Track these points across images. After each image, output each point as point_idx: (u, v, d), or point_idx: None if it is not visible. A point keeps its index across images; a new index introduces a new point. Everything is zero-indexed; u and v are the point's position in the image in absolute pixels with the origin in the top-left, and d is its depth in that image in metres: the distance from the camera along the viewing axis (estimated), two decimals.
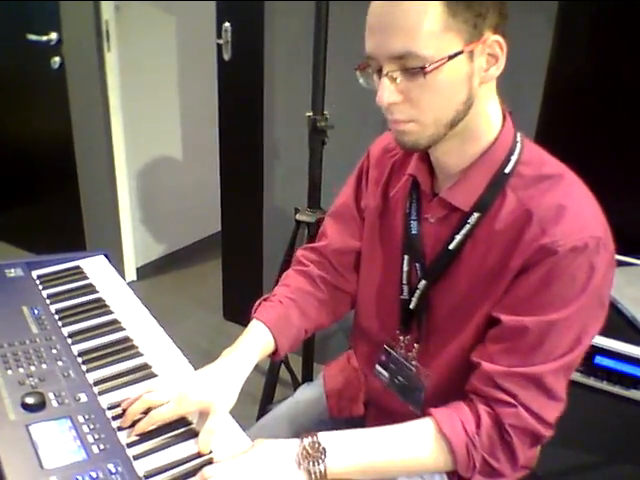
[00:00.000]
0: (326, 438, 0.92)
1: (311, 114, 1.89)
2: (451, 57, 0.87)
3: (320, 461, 0.89)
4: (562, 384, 0.96)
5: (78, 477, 0.86)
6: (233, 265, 2.86)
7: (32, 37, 2.83)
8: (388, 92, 0.90)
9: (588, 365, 1.44)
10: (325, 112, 1.88)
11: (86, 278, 1.39)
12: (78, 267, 1.43)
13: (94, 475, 0.86)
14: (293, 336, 1.17)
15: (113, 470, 0.88)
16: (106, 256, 1.49)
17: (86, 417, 0.97)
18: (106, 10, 2.75)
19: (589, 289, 0.91)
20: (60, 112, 2.98)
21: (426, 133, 0.94)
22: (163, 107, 3.27)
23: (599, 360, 1.42)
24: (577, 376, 1.46)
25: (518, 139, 1.00)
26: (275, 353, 1.15)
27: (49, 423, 0.95)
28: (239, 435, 1.00)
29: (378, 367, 1.19)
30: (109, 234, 3.18)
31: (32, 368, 1.07)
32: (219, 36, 2.44)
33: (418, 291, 1.08)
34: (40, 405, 0.98)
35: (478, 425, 0.94)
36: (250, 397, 1.97)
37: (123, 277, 1.41)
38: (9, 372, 1.05)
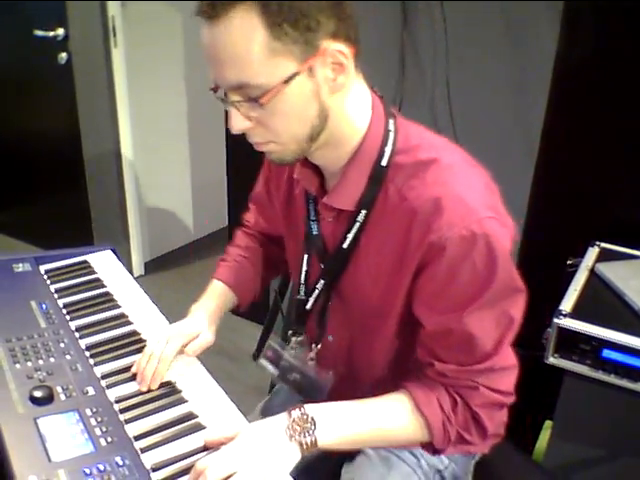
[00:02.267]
0: (314, 410, 0.94)
1: None
2: (287, 81, 0.85)
3: (311, 432, 0.91)
4: (510, 355, 1.00)
5: (86, 470, 0.86)
6: None
7: (39, 33, 2.83)
8: (236, 120, 0.90)
9: (596, 358, 1.43)
10: None
11: (93, 273, 1.40)
12: (85, 262, 1.44)
13: (101, 468, 0.87)
14: (251, 290, 1.30)
15: (120, 463, 0.89)
16: (113, 251, 1.49)
17: (94, 410, 0.98)
18: (112, 6, 2.75)
19: (495, 270, 0.91)
20: (67, 108, 2.98)
21: (288, 150, 0.94)
22: (170, 102, 3.27)
23: (607, 353, 1.42)
24: (585, 369, 1.45)
25: (390, 127, 0.98)
26: (239, 305, 1.28)
27: (57, 416, 0.96)
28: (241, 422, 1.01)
29: (262, 361, 1.19)
30: (117, 229, 3.19)
31: (40, 362, 1.07)
32: None
33: (316, 291, 1.08)
34: (48, 398, 0.98)
35: (455, 404, 0.99)
36: (257, 389, 1.97)
37: (131, 272, 1.42)
38: (17, 366, 1.06)
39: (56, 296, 1.29)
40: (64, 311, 1.24)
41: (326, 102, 0.90)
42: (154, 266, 3.42)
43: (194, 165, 3.49)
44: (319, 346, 1.12)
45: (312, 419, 0.92)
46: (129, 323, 1.24)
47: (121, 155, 3.03)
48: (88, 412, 0.98)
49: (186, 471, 0.90)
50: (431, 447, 1.01)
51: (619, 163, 1.75)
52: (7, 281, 1.31)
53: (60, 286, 1.33)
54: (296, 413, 0.92)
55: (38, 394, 0.98)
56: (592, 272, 1.62)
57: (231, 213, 2.84)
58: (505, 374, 1.00)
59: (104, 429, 0.95)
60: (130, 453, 0.91)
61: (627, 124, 1.71)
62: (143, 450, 0.93)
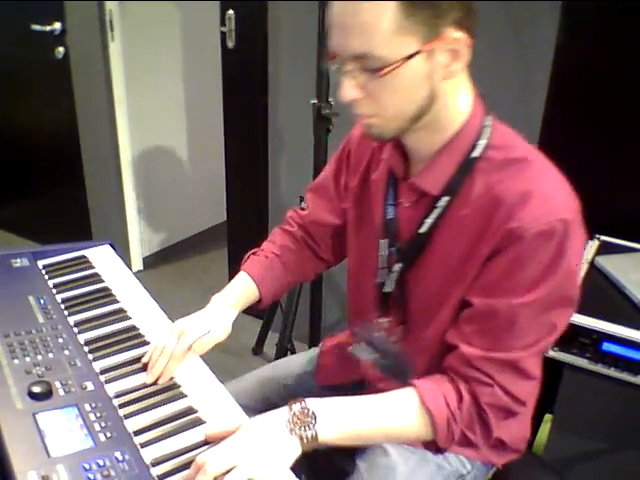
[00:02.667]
0: (315, 404, 0.94)
1: (316, 101, 1.88)
2: (407, 58, 0.88)
3: (311, 426, 0.91)
4: (537, 365, 1.00)
5: (85, 465, 0.86)
6: (239, 254, 2.83)
7: (36, 27, 2.83)
8: (348, 89, 0.93)
9: (596, 351, 1.43)
10: (330, 99, 1.87)
11: (92, 267, 1.39)
12: (84, 257, 1.43)
13: (101, 463, 0.87)
14: (276, 287, 1.28)
15: (120, 458, 0.88)
16: (111, 245, 1.49)
17: (93, 405, 0.98)
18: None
19: (558, 273, 0.92)
20: (64, 102, 2.97)
21: (390, 127, 0.97)
22: (167, 96, 3.26)
23: (607, 347, 1.42)
24: (584, 363, 1.45)
25: (487, 123, 1.01)
26: (260, 302, 1.27)
27: (56, 412, 0.95)
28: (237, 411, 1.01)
29: (357, 346, 1.20)
30: (115, 224, 3.19)
31: (39, 357, 1.07)
32: (223, 24, 2.43)
33: (394, 274, 1.09)
34: (47, 394, 0.98)
35: (460, 401, 0.97)
36: None
37: (129, 267, 1.41)
38: (15, 361, 1.05)
39: (54, 291, 1.28)
40: (62, 306, 1.23)
41: (437, 86, 0.93)
42: (153, 261, 3.42)
43: (193, 159, 3.49)
44: (400, 327, 1.13)
45: (313, 413, 0.92)
46: (128, 318, 1.23)
47: (119, 149, 3.02)
48: (87, 407, 0.97)
49: (186, 466, 0.89)
50: (434, 445, 1.00)
51: (619, 156, 1.75)
52: (5, 276, 1.30)
53: (58, 281, 1.32)
54: (297, 407, 0.92)
55: (37, 389, 0.97)
56: (592, 265, 1.62)
57: (230, 208, 2.83)
58: (525, 380, 0.99)
59: (103, 424, 0.94)
60: (130, 448, 0.91)
61: (627, 117, 1.71)
62: (143, 445, 0.92)
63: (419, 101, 0.93)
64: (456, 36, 0.89)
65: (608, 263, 1.60)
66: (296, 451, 0.90)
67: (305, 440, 0.90)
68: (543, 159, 0.99)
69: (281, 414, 0.92)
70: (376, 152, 1.16)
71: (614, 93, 1.72)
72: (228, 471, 0.84)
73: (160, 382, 1.06)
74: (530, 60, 1.79)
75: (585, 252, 1.66)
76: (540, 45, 1.77)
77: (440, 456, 1.13)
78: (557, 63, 1.75)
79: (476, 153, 0.99)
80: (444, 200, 1.00)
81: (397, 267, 1.09)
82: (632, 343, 1.39)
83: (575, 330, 1.43)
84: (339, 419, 0.95)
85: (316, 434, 0.91)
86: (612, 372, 1.43)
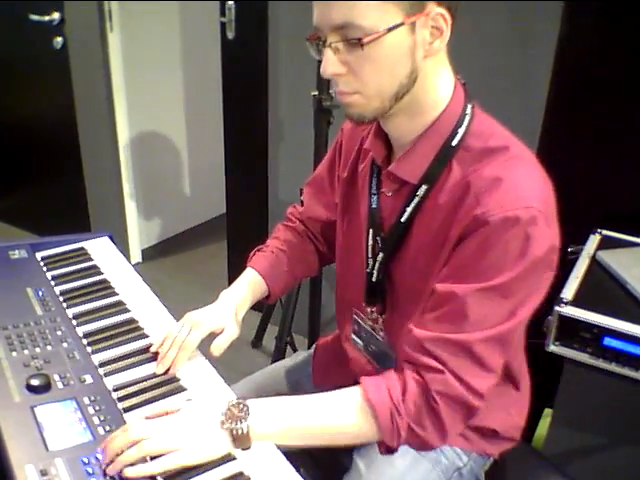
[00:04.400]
0: (253, 401, 0.93)
1: (316, 93, 1.87)
2: (390, 29, 0.87)
3: (243, 420, 0.90)
4: (494, 355, 0.94)
5: (84, 459, 0.86)
6: (238, 247, 2.85)
7: (34, 17, 2.80)
8: (331, 63, 0.92)
9: (597, 346, 1.42)
10: (331, 91, 1.86)
11: (90, 260, 1.39)
12: (82, 249, 1.43)
13: (100, 457, 0.86)
14: (283, 282, 1.28)
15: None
16: (110, 238, 1.48)
17: (92, 399, 0.97)
18: None
19: (524, 260, 0.90)
20: (63, 92, 2.95)
21: (371, 106, 0.95)
22: (166, 87, 3.24)
23: (608, 341, 1.41)
24: (585, 357, 1.45)
25: (468, 111, 0.99)
26: (268, 297, 1.27)
27: (54, 405, 0.95)
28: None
29: (353, 336, 1.22)
30: (114, 216, 3.18)
31: (37, 350, 1.06)
32: (222, 14, 2.41)
33: (377, 263, 1.09)
34: (45, 387, 0.97)
35: (404, 392, 0.93)
36: None
37: (128, 259, 1.40)
38: (14, 354, 1.05)
39: (53, 283, 1.28)
40: (61, 298, 1.23)
41: (418, 64, 0.93)
42: (152, 253, 3.41)
43: (192, 151, 3.47)
44: (384, 316, 1.13)
45: (246, 409, 0.91)
46: (127, 311, 1.22)
47: (117, 140, 3.01)
48: (86, 400, 0.97)
49: None
50: (383, 445, 0.96)
51: (620, 150, 1.74)
52: (3, 268, 1.30)
53: (57, 273, 1.31)
54: (232, 402, 0.92)
55: (35, 382, 0.97)
56: (593, 260, 1.61)
57: (229, 200, 2.82)
58: (480, 369, 0.93)
59: (102, 417, 0.94)
60: None
61: (628, 112, 1.70)
62: None
63: (400, 78, 0.92)
64: (439, 11, 0.89)
65: (609, 258, 1.59)
66: (224, 444, 0.90)
67: (234, 433, 0.90)
68: (523, 148, 0.97)
69: (217, 407, 0.92)
70: (364, 142, 1.16)
71: (615, 89, 1.71)
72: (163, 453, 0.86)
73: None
74: (531, 56, 1.78)
75: (586, 246, 1.66)
76: (541, 41, 1.76)
77: (437, 450, 1.13)
78: (558, 58, 1.74)
79: (455, 141, 0.98)
80: (423, 189, 1.00)
81: (380, 257, 1.09)
82: (633, 338, 1.38)
83: (576, 325, 1.42)
84: (275, 416, 0.94)
85: (247, 429, 0.90)
86: (613, 367, 1.43)
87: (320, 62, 0.94)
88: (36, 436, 0.88)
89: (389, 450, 0.96)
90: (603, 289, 1.53)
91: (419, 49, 0.91)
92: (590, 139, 1.75)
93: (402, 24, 0.87)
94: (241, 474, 0.87)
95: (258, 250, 1.31)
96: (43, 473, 0.82)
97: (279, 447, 0.92)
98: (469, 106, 1.00)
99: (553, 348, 1.47)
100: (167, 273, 3.23)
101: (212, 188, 3.23)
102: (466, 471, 1.16)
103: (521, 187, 0.91)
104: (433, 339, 0.93)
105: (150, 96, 3.11)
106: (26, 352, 1.05)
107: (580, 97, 1.76)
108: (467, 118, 0.99)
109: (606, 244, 1.68)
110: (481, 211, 0.90)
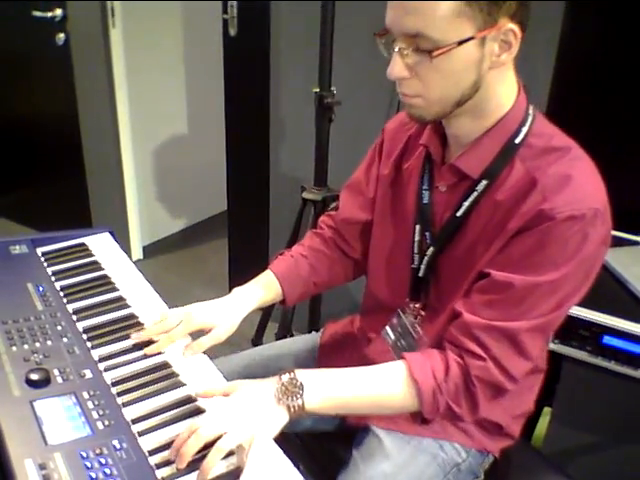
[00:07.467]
0: (303, 375, 0.97)
1: (318, 90, 1.87)
2: (461, 43, 0.89)
3: (298, 396, 0.94)
4: (536, 344, 1.00)
5: (82, 453, 0.86)
6: (239, 244, 2.85)
7: (37, 13, 2.81)
8: (398, 67, 0.94)
9: (596, 345, 1.43)
10: (332, 88, 1.86)
11: (91, 255, 1.39)
12: (83, 244, 1.43)
13: (99, 451, 0.86)
14: (301, 287, 1.28)
15: (118, 446, 0.88)
16: (111, 233, 1.48)
17: (91, 393, 0.97)
18: None
19: (579, 258, 0.94)
20: (65, 89, 2.96)
21: (431, 109, 0.98)
22: (169, 84, 3.24)
23: (607, 340, 1.41)
24: (585, 356, 1.45)
25: (530, 112, 1.02)
26: (284, 301, 1.28)
27: (53, 399, 0.95)
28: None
29: (387, 329, 1.23)
30: (115, 212, 3.18)
31: (37, 344, 1.07)
32: (225, 11, 2.41)
33: (426, 258, 1.11)
34: (45, 381, 0.97)
35: (447, 373, 0.99)
36: None
37: (129, 256, 1.40)
38: (14, 348, 1.05)
39: (53, 278, 1.28)
40: (61, 294, 1.23)
41: (483, 75, 0.94)
42: (153, 250, 3.41)
43: (194, 148, 3.47)
44: (424, 313, 1.15)
45: (300, 384, 0.95)
46: (127, 306, 1.23)
47: (119, 137, 3.01)
48: (85, 395, 0.97)
49: None
50: (420, 415, 1.02)
51: (621, 150, 1.74)
52: (4, 263, 1.30)
53: (57, 268, 1.31)
54: (286, 377, 0.96)
55: (34, 377, 0.97)
56: None
57: (230, 197, 2.82)
58: (520, 357, 0.99)
59: (101, 412, 0.94)
60: (127, 436, 0.90)
61: (629, 112, 1.70)
62: (140, 434, 0.92)
63: (464, 87, 0.94)
64: (510, 27, 0.90)
65: (609, 256, 1.58)
66: (283, 419, 0.94)
67: (292, 409, 0.94)
68: (581, 150, 1.00)
69: (271, 384, 0.96)
70: (411, 141, 1.18)
71: (617, 85, 1.70)
72: (219, 437, 0.87)
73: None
74: (532, 56, 1.77)
75: None
76: (542, 41, 1.76)
77: (435, 445, 1.15)
78: (560, 59, 1.74)
79: (518, 139, 1.00)
80: (483, 184, 1.01)
81: (430, 252, 1.10)
82: (633, 336, 1.39)
83: (575, 323, 1.43)
84: (325, 387, 0.98)
85: (303, 404, 0.94)
86: (612, 365, 1.43)
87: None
88: (35, 430, 0.89)
89: (424, 422, 1.03)
90: (603, 287, 1.52)
91: (485, 61, 0.93)
92: (590, 139, 1.75)
93: (472, 38, 0.89)
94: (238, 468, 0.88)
95: (280, 254, 1.32)
96: (42, 467, 0.82)
97: (277, 442, 0.93)
98: (531, 107, 1.02)
99: (552, 346, 1.47)
100: (168, 269, 3.23)
101: (213, 185, 3.23)
102: (465, 467, 1.16)
103: (588, 187, 0.95)
104: (482, 326, 0.98)
105: (152, 93, 3.12)
106: (26, 347, 1.06)
107: (581, 97, 1.76)
108: (530, 118, 1.01)
109: None
110: (549, 207, 0.93)
